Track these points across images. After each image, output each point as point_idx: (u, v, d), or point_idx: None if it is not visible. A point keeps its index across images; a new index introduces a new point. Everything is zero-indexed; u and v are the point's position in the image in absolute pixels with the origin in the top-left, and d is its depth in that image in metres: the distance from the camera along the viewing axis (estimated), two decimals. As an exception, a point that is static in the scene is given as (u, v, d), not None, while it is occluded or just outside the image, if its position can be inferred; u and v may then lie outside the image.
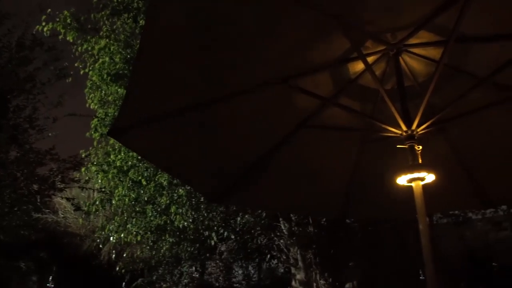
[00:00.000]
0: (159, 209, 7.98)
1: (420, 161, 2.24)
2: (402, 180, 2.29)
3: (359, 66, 2.58)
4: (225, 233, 8.35)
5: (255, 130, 2.79)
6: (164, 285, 12.34)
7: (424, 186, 2.23)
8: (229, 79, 2.35)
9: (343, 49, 2.38)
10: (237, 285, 13.67)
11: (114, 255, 12.47)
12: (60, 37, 8.33)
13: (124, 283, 13.27)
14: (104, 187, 8.73)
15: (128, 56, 7.89)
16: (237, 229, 8.47)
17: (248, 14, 1.94)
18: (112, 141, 8.14)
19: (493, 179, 3.09)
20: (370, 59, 2.45)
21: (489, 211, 8.95)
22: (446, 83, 2.51)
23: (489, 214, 9.28)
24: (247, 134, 2.80)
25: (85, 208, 8.98)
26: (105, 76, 7.73)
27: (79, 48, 8.29)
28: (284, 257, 8.79)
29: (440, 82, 2.26)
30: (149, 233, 8.31)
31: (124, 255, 11.22)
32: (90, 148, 8.74)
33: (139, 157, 7.36)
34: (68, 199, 12.41)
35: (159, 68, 2.10)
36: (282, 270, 12.94)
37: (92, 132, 8.12)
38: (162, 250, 9.28)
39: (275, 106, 2.70)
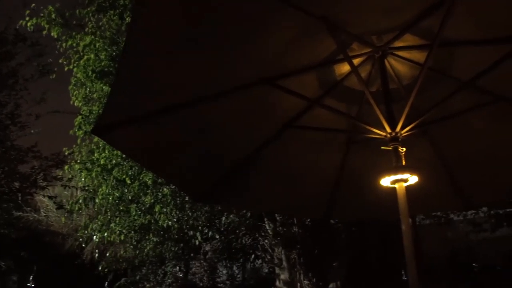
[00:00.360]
0: (143, 208, 7.92)
1: (403, 163, 2.26)
2: (385, 181, 2.31)
3: (345, 67, 2.60)
4: (210, 233, 8.32)
5: (240, 130, 2.79)
6: (147, 285, 12.25)
7: (407, 187, 2.25)
8: (215, 78, 2.34)
9: (329, 50, 2.39)
10: (221, 285, 13.65)
11: (97, 255, 12.32)
12: (44, 32, 8.23)
13: (106, 283, 13.13)
14: (88, 186, 8.62)
15: (114, 53, 7.81)
16: (222, 229, 8.45)
17: (234, 14, 1.94)
18: (96, 139, 8.05)
19: (474, 181, 3.14)
20: (356, 61, 2.47)
21: (470, 213, 9.11)
22: (430, 86, 2.55)
23: (470, 216, 9.44)
24: (232, 134, 2.79)
25: (68, 207, 8.87)
26: (90, 73, 7.65)
27: (64, 44, 8.18)
28: (269, 257, 8.81)
29: (425, 85, 2.29)
30: (132, 232, 8.25)
31: (107, 254, 11.10)
32: (74, 146, 8.64)
33: (124, 156, 7.29)
34: (50, 197, 12.22)
35: (145, 66, 2.08)
36: (266, 270, 12.96)
37: (76, 130, 8.03)
38: (146, 250, 9.21)
39: (261, 106, 2.70)
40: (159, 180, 7.46)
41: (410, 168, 2.25)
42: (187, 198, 7.42)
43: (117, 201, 8.09)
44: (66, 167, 8.92)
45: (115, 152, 7.57)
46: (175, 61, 2.13)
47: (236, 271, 14.03)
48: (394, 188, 2.27)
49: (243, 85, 2.45)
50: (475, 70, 2.35)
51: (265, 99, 2.64)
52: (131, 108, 2.28)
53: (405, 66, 2.61)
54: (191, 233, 8.23)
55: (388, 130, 2.31)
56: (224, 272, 13.83)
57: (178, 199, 7.59)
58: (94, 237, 8.65)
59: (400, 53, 2.52)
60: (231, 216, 8.10)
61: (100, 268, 10.99)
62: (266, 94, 2.55)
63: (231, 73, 2.35)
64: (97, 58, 7.76)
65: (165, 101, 2.34)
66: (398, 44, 2.37)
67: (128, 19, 7.57)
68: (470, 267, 10.84)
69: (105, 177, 7.94)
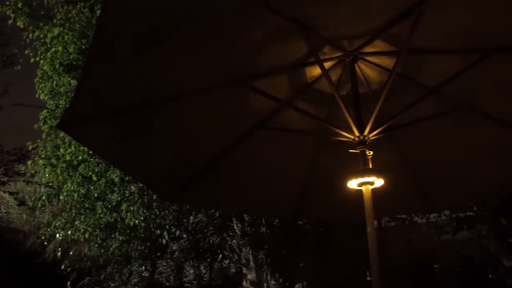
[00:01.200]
0: (109, 206, 7.76)
1: (370, 166, 2.31)
2: (352, 183, 2.35)
3: (316, 70, 2.63)
4: (177, 232, 8.24)
5: (211, 129, 2.78)
6: (112, 285, 12.00)
7: (373, 190, 2.30)
8: (186, 77, 2.32)
9: (301, 53, 2.41)
10: (188, 284, 13.54)
11: (59, 253, 11.97)
12: (10, 22, 7.92)
13: (69, 282, 12.76)
14: (52, 182, 8.37)
15: (83, 46, 7.61)
16: (190, 228, 8.38)
17: (206, 13, 1.93)
18: (62, 134, 7.82)
19: (437, 185, 3.24)
20: (327, 65, 2.51)
21: (433, 216, 9.39)
22: (398, 91, 2.61)
23: (433, 219, 9.72)
24: (203, 133, 2.77)
25: (30, 203, 8.58)
26: (57, 66, 7.42)
27: (30, 35, 7.90)
28: (236, 257, 8.80)
29: (393, 90, 2.35)
30: (98, 230, 8.07)
31: (71, 253, 10.80)
32: (38, 140, 8.36)
33: (90, 152, 7.12)
34: (11, 193, 11.77)
35: (115, 61, 2.04)
36: (233, 270, 12.96)
37: (41, 124, 7.77)
38: (111, 249, 9.02)
39: (232, 106, 2.69)
40: (127, 178, 7.32)
41: (376, 171, 2.30)
42: (155, 197, 7.32)
43: (82, 199, 7.89)
44: (29, 162, 8.63)
45: (81, 148, 7.38)
46: (146, 58, 2.10)
47: (203, 271, 13.95)
48: (361, 190, 2.31)
49: (215, 84, 2.44)
50: (440, 78, 2.43)
51: (236, 99, 2.64)
52: (99, 103, 2.23)
53: (375, 71, 2.67)
54: (158, 232, 8.12)
55: (356, 133, 2.35)
56: (191, 271, 13.72)
57: (145, 197, 7.47)
58: (57, 235, 8.40)
59: (370, 58, 2.57)
60: (200, 215, 8.04)
61: (62, 267, 10.67)
62: (238, 94, 2.56)
63: (203, 72, 2.33)
64: (65, 51, 7.54)
65: (134, 97, 2.31)
66: (368, 49, 2.42)
67: (99, 12, 7.39)
68: (431, 268, 11.18)
69: (70, 174, 7.73)
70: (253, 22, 2.07)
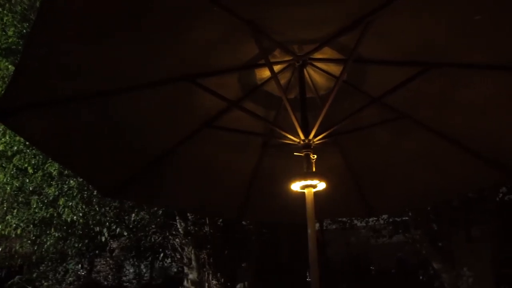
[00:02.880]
0: (45, 201, 7.38)
1: (314, 169, 2.36)
2: (296, 186, 2.40)
3: (266, 73, 2.65)
4: (118, 230, 7.97)
5: (158, 125, 2.72)
6: (45, 283, 11.40)
7: (315, 193, 2.36)
8: (134, 70, 2.25)
9: (252, 54, 2.42)
10: (127, 284, 13.17)
11: (-13, 249, 11.22)
12: None
13: (-3, 280, 12.00)
14: (-18, 173, 7.82)
15: (24, 31, 7.19)
16: (131, 226, 8.15)
17: (159, 7, 1.88)
18: (-4, 122, 7.32)
19: (376, 191, 3.38)
20: (276, 68, 2.53)
21: (371, 220, 9.77)
22: (343, 98, 2.69)
23: (371, 222, 10.11)
24: (149, 129, 2.71)
25: (-44, 195, 7.96)
26: (-6, 49, 6.96)
27: (-35, 15, 7.36)
28: (178, 256, 8.68)
29: (338, 97, 2.41)
30: (31, 226, 7.65)
31: (0, 249, 10.15)
32: (-31, 128, 7.78)
33: (27, 143, 6.74)
34: None
35: (57, 47, 1.93)
36: (175, 270, 12.77)
37: (-27, 111, 7.23)
38: (45, 245, 8.57)
39: (180, 103, 2.66)
40: (66, 172, 7.00)
41: (319, 174, 2.36)
42: (95, 192, 7.05)
43: (16, 192, 7.46)
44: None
45: (17, 138, 6.96)
46: (93, 47, 2.01)
47: (144, 270, 13.64)
48: (304, 193, 2.36)
49: (163, 79, 2.39)
50: (384, 87, 2.53)
51: (185, 96, 2.60)
52: (38, 91, 2.11)
53: (322, 77, 2.73)
54: (97, 229, 7.83)
55: (302, 137, 2.39)
56: (131, 270, 13.37)
57: (85, 192, 7.18)
58: (-15, 230, 7.87)
59: (318, 64, 2.63)
60: (142, 213, 7.85)
61: (-10, 264, 10.02)
62: (186, 91, 2.52)
63: (152, 67, 2.28)
64: (3, 33, 7.09)
65: (78, 87, 2.20)
66: (317, 55, 2.47)
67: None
68: (368, 270, 11.64)
69: (3, 165, 7.28)
70: (207, 20, 2.04)
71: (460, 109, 2.62)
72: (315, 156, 2.38)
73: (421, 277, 10.80)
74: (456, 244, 7.51)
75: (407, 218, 8.45)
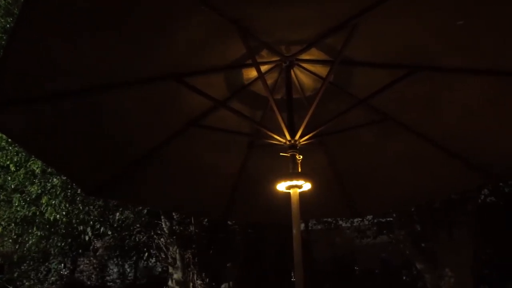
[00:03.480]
0: (28, 199, 7.26)
1: (299, 169, 2.37)
2: (281, 186, 2.40)
3: (253, 73, 2.65)
4: (102, 229, 7.89)
5: (143, 124, 2.69)
6: (27, 283, 11.23)
7: (301, 193, 2.36)
8: (120, 68, 2.22)
9: (239, 54, 2.42)
10: (111, 283, 13.06)
11: (-33, 248, 10.99)
12: None
13: (-23, 280, 11.77)
14: (-38, 170, 7.68)
15: (8, 25, 7.07)
16: (115, 225, 8.07)
17: (145, 4, 1.87)
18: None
19: (361, 192, 3.40)
20: (263, 68, 2.53)
21: (356, 220, 9.85)
22: (330, 99, 2.70)
23: (356, 223, 10.19)
24: (134, 127, 2.68)
25: None
26: (-24, 44, 6.83)
27: None
28: (163, 256, 8.62)
29: (325, 98, 2.43)
30: (13, 224, 7.52)
31: (-20, 248, 9.96)
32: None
33: (9, 140, 6.62)
34: None
35: (41, 43, 1.90)
36: (159, 269, 12.69)
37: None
38: (27, 244, 8.45)
39: (166, 102, 2.64)
40: (49, 170, 6.90)
41: (305, 175, 2.37)
42: (79, 191, 6.96)
43: (-3, 190, 7.33)
44: None
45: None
46: (78, 44, 1.98)
47: (128, 270, 13.53)
48: (289, 193, 2.36)
49: (150, 78, 2.37)
50: (369, 89, 2.55)
51: (171, 95, 2.59)
52: (21, 88, 2.07)
53: (309, 78, 2.74)
54: (81, 228, 7.74)
55: (288, 137, 2.40)
56: (115, 270, 13.25)
57: (69, 191, 7.09)
58: (-35, 228, 7.72)
59: (305, 65, 2.64)
60: (126, 212, 7.78)
61: (-30, 263, 9.82)
62: (173, 90, 2.50)
63: (138, 65, 2.25)
64: (-13, 28, 6.96)
65: (62, 84, 2.17)
66: (304, 56, 2.48)
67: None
68: (352, 270, 11.74)
69: (-16, 162, 7.14)
70: (194, 19, 2.03)
71: (444, 112, 2.65)
72: (301, 157, 2.39)
73: (404, 278, 10.93)
74: (439, 245, 7.62)
75: (391, 219, 8.54)
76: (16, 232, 8.01)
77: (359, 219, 9.34)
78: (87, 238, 7.96)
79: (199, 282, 8.15)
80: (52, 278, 11.42)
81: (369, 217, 9.01)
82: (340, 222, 10.61)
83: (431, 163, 3.03)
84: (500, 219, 8.91)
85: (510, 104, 2.43)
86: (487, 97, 2.44)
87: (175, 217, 8.31)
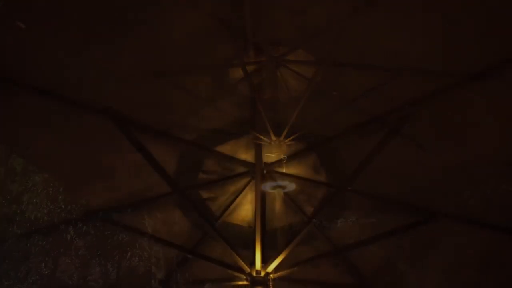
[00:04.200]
0: (8, 197, 7.11)
1: (283, 170, 2.37)
2: (266, 187, 2.40)
3: (241, 73, 2.64)
4: (84, 228, 7.77)
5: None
6: (6, 283, 11.00)
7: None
8: (108, 65, 2.20)
9: (227, 54, 2.41)
10: (93, 283, 12.83)
11: None
12: None
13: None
14: None
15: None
16: (98, 224, 7.95)
17: (132, 2, 1.85)
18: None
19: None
20: (251, 68, 2.53)
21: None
22: (316, 100, 2.70)
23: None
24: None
25: None
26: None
27: None
28: (146, 256, 8.53)
29: (311, 98, 2.43)
30: (-7, 223, 7.35)
31: None
32: None
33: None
34: None
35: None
36: (142, 269, 12.53)
37: None
38: (7, 243, 8.27)
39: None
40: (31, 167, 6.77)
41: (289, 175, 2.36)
42: (61, 189, 6.84)
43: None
44: None
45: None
46: (60, 39, 1.95)
47: (111, 269, 13.34)
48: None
49: (137, 77, 2.35)
50: (356, 91, 2.56)
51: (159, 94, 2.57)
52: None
53: (296, 78, 2.74)
54: (63, 227, 7.60)
55: (273, 137, 2.39)
56: (97, 270, 13.04)
57: (50, 189, 6.95)
58: None
59: (292, 66, 2.63)
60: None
61: None
62: (160, 89, 2.48)
63: (124, 63, 2.23)
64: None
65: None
66: (292, 57, 2.48)
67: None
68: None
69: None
70: (183, 19, 2.03)
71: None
72: (285, 157, 2.39)
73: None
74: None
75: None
76: (-4, 230, 7.84)
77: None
78: (68, 237, 7.84)
79: (182, 282, 8.10)
80: (33, 278, 11.22)
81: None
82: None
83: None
84: None
85: None
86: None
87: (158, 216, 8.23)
